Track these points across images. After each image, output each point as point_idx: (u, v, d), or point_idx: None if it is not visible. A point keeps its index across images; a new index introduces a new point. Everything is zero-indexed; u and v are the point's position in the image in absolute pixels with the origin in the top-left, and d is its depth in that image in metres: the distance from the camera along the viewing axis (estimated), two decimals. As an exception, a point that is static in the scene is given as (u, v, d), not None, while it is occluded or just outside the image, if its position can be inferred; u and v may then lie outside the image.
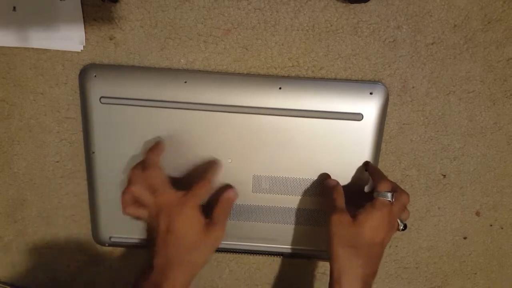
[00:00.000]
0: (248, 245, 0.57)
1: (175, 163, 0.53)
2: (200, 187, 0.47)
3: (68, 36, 0.51)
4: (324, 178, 0.53)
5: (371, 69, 0.52)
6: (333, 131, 0.51)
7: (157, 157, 0.49)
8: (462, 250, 0.60)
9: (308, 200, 0.54)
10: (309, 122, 0.51)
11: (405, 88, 0.53)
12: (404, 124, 0.54)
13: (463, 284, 0.62)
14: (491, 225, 0.59)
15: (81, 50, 0.52)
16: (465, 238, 0.60)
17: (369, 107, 0.51)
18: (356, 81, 0.52)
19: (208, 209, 0.49)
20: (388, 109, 0.53)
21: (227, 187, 0.52)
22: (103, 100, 0.51)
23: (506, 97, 0.53)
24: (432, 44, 0.51)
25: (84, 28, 0.51)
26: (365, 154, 0.52)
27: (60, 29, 0.51)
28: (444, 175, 0.57)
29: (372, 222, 0.45)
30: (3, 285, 0.63)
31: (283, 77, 0.52)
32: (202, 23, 0.51)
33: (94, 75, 0.51)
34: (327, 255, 0.48)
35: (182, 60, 0.52)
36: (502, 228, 0.59)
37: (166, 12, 0.51)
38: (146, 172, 0.47)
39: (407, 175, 0.57)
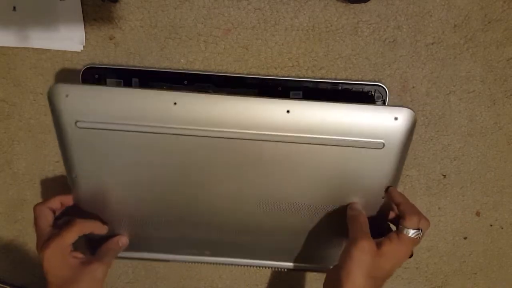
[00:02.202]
0: (252, 262, 0.56)
1: (169, 192, 0.49)
2: (68, 230, 0.47)
3: (68, 36, 0.51)
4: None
5: (371, 69, 0.52)
6: (350, 159, 0.45)
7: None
8: (462, 250, 0.60)
9: (315, 224, 0.51)
10: (322, 149, 0.44)
11: (405, 88, 0.53)
12: (404, 124, 0.54)
13: (463, 284, 0.62)
14: (491, 225, 0.59)
15: (81, 50, 0.52)
16: (465, 238, 0.60)
17: (392, 134, 0.43)
18: (379, 104, 0.48)
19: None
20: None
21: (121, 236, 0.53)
22: (79, 124, 0.44)
23: (506, 97, 0.53)
24: (432, 44, 0.51)
25: (84, 28, 0.51)
26: (384, 182, 0.47)
27: (60, 29, 0.51)
28: (444, 175, 0.57)
29: (395, 256, 0.44)
30: (3, 285, 0.63)
31: (292, 99, 0.45)
32: (202, 23, 0.51)
33: (66, 95, 0.43)
34: (337, 273, 0.45)
35: (182, 60, 0.52)
36: (502, 228, 0.59)
37: (166, 12, 0.51)
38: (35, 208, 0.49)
39: (407, 175, 0.57)
